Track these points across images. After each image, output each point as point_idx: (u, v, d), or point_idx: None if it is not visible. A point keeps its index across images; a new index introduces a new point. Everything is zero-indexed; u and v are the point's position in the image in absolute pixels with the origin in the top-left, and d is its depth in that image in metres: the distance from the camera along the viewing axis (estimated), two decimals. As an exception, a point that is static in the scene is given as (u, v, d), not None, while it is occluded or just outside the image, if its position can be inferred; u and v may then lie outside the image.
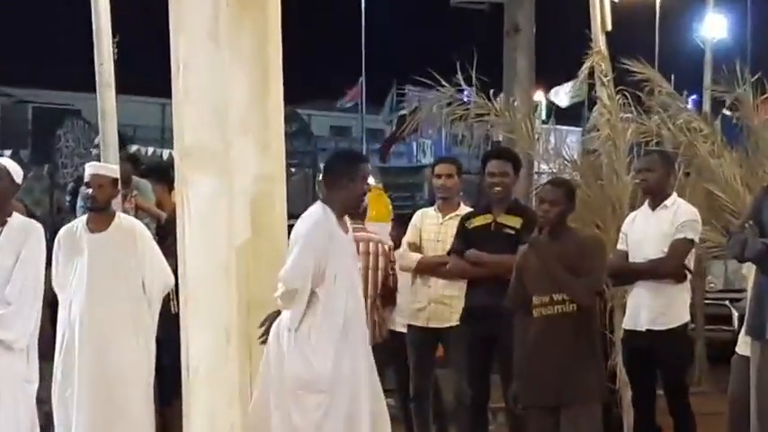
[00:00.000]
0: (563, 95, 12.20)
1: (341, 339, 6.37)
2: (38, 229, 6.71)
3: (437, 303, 7.91)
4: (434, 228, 8.09)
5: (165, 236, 7.45)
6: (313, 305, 6.35)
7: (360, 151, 8.15)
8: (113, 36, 7.72)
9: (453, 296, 7.78)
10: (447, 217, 7.99)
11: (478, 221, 7.64)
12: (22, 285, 6.50)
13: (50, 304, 8.24)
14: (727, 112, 11.33)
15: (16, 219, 6.57)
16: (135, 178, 8.66)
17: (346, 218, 6.71)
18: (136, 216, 8.08)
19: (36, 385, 6.74)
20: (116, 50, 7.83)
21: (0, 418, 6.41)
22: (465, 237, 7.55)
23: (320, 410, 6.34)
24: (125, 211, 7.94)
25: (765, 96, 10.25)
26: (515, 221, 7.55)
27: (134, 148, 9.51)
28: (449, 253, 7.73)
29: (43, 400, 7.89)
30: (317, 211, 6.50)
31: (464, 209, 8.12)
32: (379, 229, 9.43)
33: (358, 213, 7.71)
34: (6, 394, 6.43)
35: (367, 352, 6.51)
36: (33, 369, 6.63)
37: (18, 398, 6.53)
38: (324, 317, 6.35)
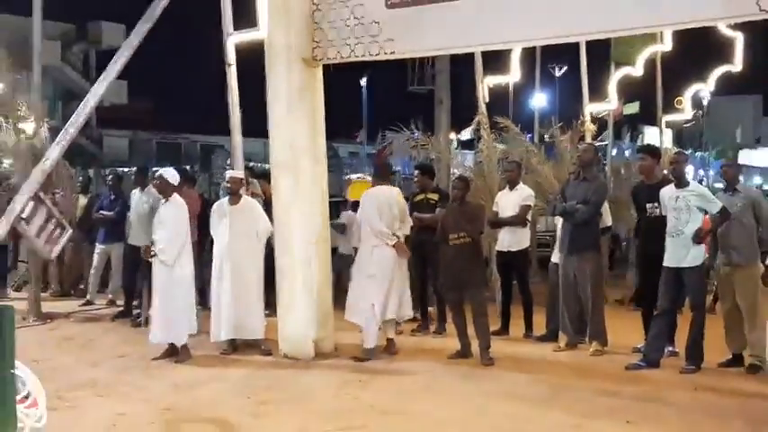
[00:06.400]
0: (465, 134, 12.47)
1: None
2: (183, 203, 6.61)
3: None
4: None
5: (267, 208, 7.41)
6: None
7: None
8: (240, 107, 7.72)
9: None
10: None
11: (419, 197, 7.93)
12: (172, 228, 6.46)
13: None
14: (547, 138, 11.50)
15: (174, 197, 6.60)
16: (251, 179, 8.55)
17: None
18: (251, 197, 7.96)
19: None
20: (241, 112, 7.77)
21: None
22: (412, 205, 7.80)
23: None
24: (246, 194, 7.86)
25: (569, 134, 10.36)
26: (435, 197, 7.85)
27: (251, 164, 9.24)
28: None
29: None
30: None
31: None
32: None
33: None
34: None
35: None
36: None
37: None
38: None
